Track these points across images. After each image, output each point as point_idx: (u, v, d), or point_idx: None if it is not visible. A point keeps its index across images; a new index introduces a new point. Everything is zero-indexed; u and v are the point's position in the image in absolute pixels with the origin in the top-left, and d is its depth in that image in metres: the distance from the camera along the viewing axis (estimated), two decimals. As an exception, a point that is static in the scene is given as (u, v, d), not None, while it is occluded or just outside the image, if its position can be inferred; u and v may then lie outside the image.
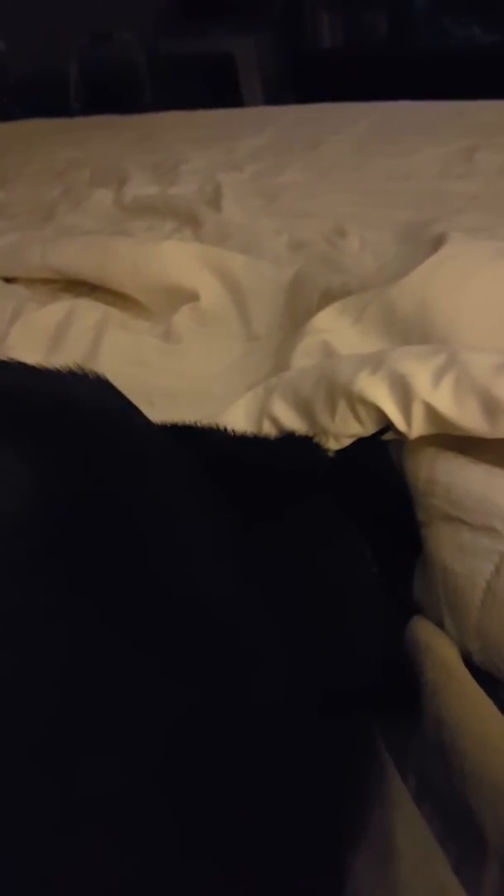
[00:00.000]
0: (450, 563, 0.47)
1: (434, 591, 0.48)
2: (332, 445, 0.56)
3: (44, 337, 0.84)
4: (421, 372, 0.52)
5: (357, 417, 0.55)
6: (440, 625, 0.47)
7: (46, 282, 0.98)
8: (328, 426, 0.56)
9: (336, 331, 0.68)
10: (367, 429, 0.55)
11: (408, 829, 0.36)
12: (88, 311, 0.87)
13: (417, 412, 0.51)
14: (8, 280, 1.00)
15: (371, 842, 0.35)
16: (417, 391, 0.51)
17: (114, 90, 2.75)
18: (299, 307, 0.80)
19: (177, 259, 0.90)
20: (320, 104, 1.81)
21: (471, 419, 0.49)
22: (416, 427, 0.52)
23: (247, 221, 1.10)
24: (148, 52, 2.86)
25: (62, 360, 0.83)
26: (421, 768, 0.41)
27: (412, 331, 0.64)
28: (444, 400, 0.50)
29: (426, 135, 1.45)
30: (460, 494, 0.48)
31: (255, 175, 1.34)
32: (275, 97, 2.74)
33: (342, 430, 0.55)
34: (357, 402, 0.54)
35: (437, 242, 0.71)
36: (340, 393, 0.55)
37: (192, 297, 0.87)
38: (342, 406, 0.55)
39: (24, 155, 1.69)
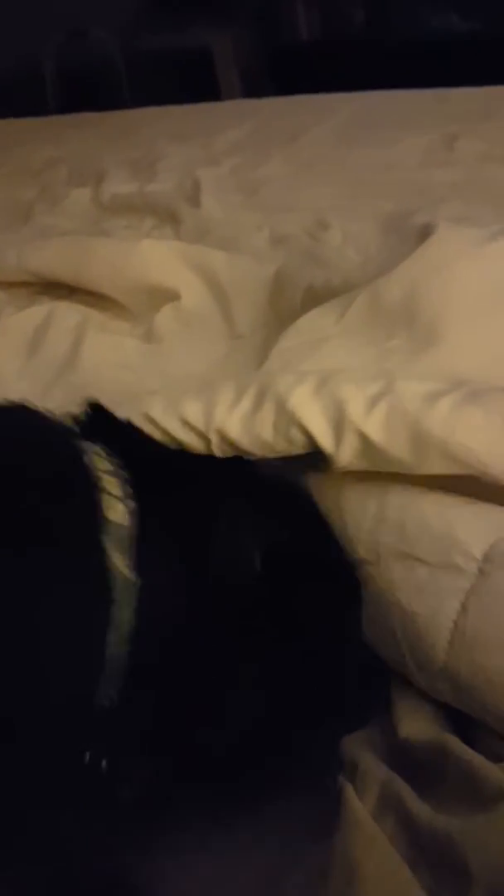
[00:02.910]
0: (408, 605, 0.45)
1: (391, 632, 0.46)
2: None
3: (22, 342, 0.83)
4: (357, 397, 0.50)
5: (286, 436, 0.52)
6: (400, 666, 0.46)
7: (24, 285, 0.96)
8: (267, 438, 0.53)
9: (318, 333, 0.66)
10: (293, 449, 0.52)
11: (369, 849, 0.35)
12: (67, 314, 0.86)
13: (350, 438, 0.50)
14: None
15: (334, 864, 0.34)
16: (351, 416, 0.50)
17: (90, 87, 2.72)
18: (283, 304, 0.79)
19: (156, 258, 0.88)
20: (299, 96, 1.79)
21: (399, 451, 0.48)
22: (345, 455, 0.50)
23: (227, 217, 1.08)
24: (124, 49, 2.83)
25: (42, 364, 0.82)
26: (383, 782, 0.39)
27: (397, 323, 0.62)
28: (376, 428, 0.49)
29: (406, 124, 1.43)
30: (416, 531, 0.47)
31: (234, 169, 1.32)
32: (253, 90, 2.72)
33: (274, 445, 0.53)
34: (289, 419, 0.52)
35: (423, 233, 0.70)
36: (275, 407, 0.53)
37: (172, 296, 0.85)
38: (274, 420, 0.53)
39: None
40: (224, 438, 0.53)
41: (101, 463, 0.45)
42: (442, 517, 0.47)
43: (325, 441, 0.50)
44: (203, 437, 0.53)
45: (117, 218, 1.16)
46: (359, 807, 0.37)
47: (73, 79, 2.80)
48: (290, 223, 1.01)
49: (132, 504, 0.43)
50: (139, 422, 0.53)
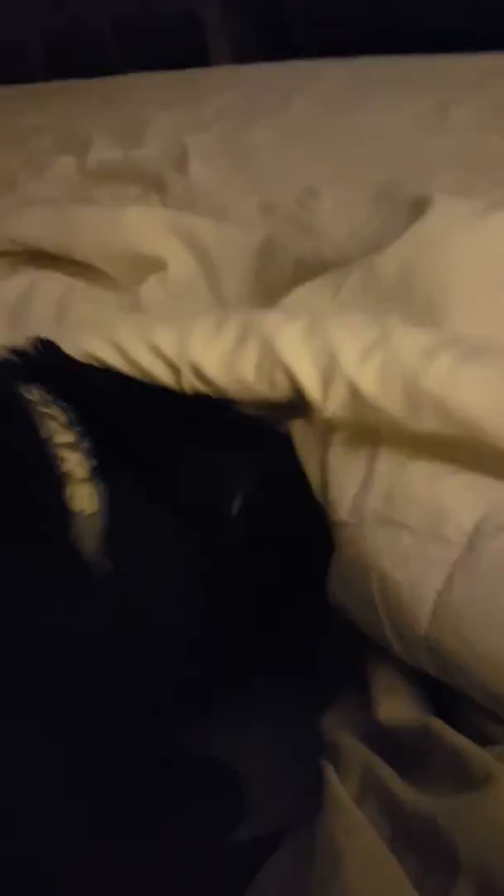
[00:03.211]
0: (391, 572, 0.44)
1: (368, 598, 0.45)
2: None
3: (5, 313, 0.80)
4: (350, 346, 0.48)
5: (269, 378, 0.49)
6: (377, 633, 0.45)
7: (6, 254, 0.93)
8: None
9: (314, 305, 0.64)
10: (275, 393, 0.49)
11: (352, 835, 0.34)
12: (51, 284, 0.84)
13: (338, 387, 0.47)
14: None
15: (318, 851, 0.34)
16: (343, 365, 0.47)
17: (75, 53, 2.66)
18: (271, 274, 0.77)
19: (142, 226, 0.86)
20: (289, 62, 1.75)
21: (391, 405, 0.46)
22: (332, 405, 0.48)
23: (215, 184, 1.06)
24: (111, 13, 2.77)
25: (25, 335, 0.80)
26: (365, 765, 0.39)
27: (394, 299, 0.60)
28: (369, 380, 0.47)
29: (399, 91, 1.40)
30: (403, 499, 0.45)
31: (222, 135, 1.29)
32: (243, 56, 2.66)
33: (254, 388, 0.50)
34: (274, 361, 0.49)
35: (417, 205, 0.68)
36: (260, 346, 0.50)
37: (159, 265, 0.83)
38: (258, 361, 0.49)
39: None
40: (198, 373, 0.50)
41: (46, 408, 0.42)
42: (432, 486, 0.46)
43: (312, 389, 0.48)
44: (174, 368, 0.50)
45: (103, 186, 1.14)
46: (341, 791, 0.36)
47: (58, 44, 2.74)
48: (279, 191, 0.99)
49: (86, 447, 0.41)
50: (107, 349, 0.50)
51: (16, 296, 0.82)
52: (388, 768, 0.37)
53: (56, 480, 0.39)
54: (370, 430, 0.49)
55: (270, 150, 1.20)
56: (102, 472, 0.41)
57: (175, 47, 2.58)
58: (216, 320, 0.52)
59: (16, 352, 0.47)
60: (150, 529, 0.41)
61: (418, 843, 0.33)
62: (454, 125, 1.21)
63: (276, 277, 0.75)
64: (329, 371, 0.48)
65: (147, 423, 0.45)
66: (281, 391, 0.49)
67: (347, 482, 0.48)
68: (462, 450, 0.46)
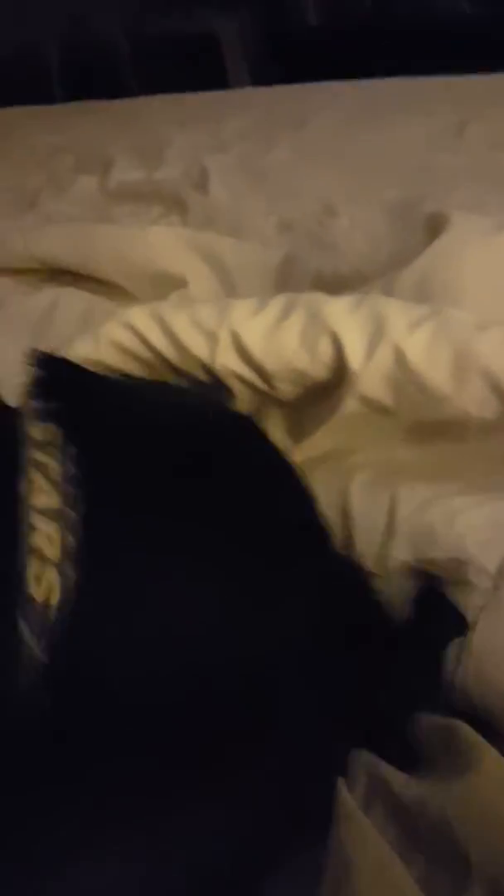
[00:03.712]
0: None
1: None
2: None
3: (28, 328, 0.82)
4: (399, 317, 0.49)
5: (312, 346, 0.49)
6: None
7: (30, 272, 0.95)
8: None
9: None
10: (313, 364, 0.49)
11: (360, 839, 0.34)
12: (73, 301, 0.85)
13: (384, 352, 0.47)
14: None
15: (329, 862, 0.34)
16: (391, 332, 0.48)
17: (95, 74, 2.70)
18: (290, 291, 0.78)
19: (163, 245, 0.88)
20: (306, 84, 1.77)
21: (436, 373, 0.46)
22: (376, 365, 0.47)
23: (234, 203, 1.08)
24: (129, 35, 2.81)
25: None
26: (369, 768, 0.39)
27: None
28: (417, 348, 0.47)
29: (414, 111, 1.42)
30: (426, 547, 0.45)
31: (241, 156, 1.31)
32: (260, 77, 2.70)
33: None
34: (321, 327, 0.49)
35: (433, 222, 0.69)
36: (307, 315, 0.50)
37: (179, 283, 0.85)
38: (302, 328, 0.50)
39: (3, 143, 1.65)
40: (237, 342, 0.50)
41: (43, 454, 0.33)
42: (452, 528, 0.46)
43: (355, 356, 0.48)
44: (211, 337, 0.50)
45: (124, 205, 1.16)
46: (350, 801, 0.36)
47: (78, 66, 2.78)
48: (297, 209, 1.01)
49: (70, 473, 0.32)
50: (146, 320, 0.50)
51: (40, 311, 0.84)
52: (391, 768, 0.38)
53: (11, 555, 0.31)
54: (391, 468, 0.49)
55: (288, 170, 1.22)
56: (90, 549, 0.31)
57: (193, 67, 2.62)
58: (259, 300, 0.52)
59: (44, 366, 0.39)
60: (127, 633, 0.32)
61: (426, 846, 0.34)
62: (469, 143, 1.23)
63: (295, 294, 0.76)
64: (376, 336, 0.48)
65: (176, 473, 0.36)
66: (321, 362, 0.49)
67: (372, 532, 0.48)
68: (480, 463, 0.47)
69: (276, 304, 0.51)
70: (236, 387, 0.52)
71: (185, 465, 0.36)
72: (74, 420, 0.35)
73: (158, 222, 1.07)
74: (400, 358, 0.47)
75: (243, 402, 0.53)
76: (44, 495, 0.32)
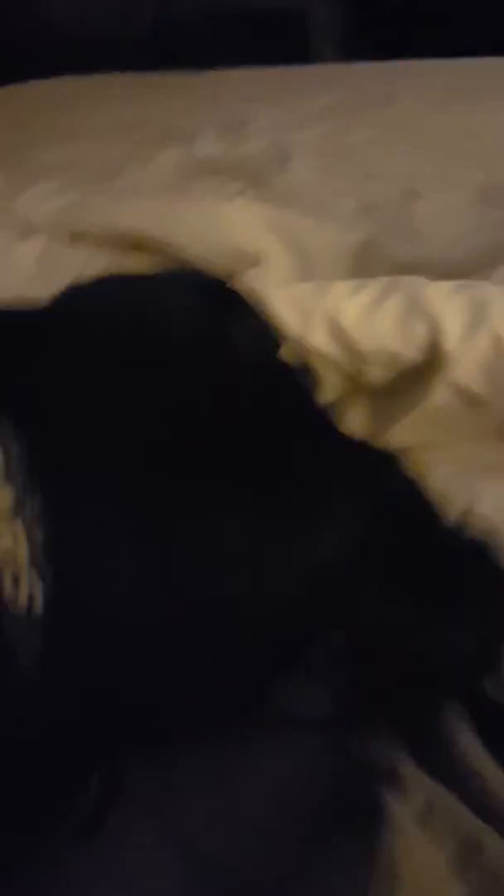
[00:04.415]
0: None
1: None
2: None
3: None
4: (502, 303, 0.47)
5: (407, 330, 0.48)
6: None
7: (112, 243, 0.96)
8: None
9: None
10: (405, 349, 0.48)
11: (411, 857, 0.34)
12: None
13: (483, 339, 0.46)
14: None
15: (376, 869, 0.34)
16: (492, 319, 0.47)
17: (183, 46, 2.69)
18: (368, 275, 0.77)
19: (241, 222, 0.88)
20: (394, 62, 1.73)
21: None
22: (473, 351, 0.46)
23: (314, 183, 1.07)
24: (216, 9, 2.79)
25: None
26: (428, 786, 0.38)
27: None
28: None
29: (505, 92, 1.38)
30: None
31: (324, 134, 1.29)
32: (347, 54, 2.65)
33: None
34: (419, 311, 0.48)
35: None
36: (406, 298, 0.50)
37: (255, 261, 0.84)
38: (399, 311, 0.50)
39: (88, 111, 1.67)
40: (331, 321, 0.50)
41: None
42: None
43: (452, 336, 0.47)
44: (306, 314, 0.50)
45: (204, 180, 1.16)
46: (400, 813, 0.36)
47: (166, 37, 2.78)
48: (379, 192, 0.99)
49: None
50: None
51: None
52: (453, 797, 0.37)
53: None
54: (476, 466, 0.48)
55: (372, 150, 1.19)
56: (59, 529, 0.28)
57: (279, 43, 2.59)
58: (356, 283, 0.52)
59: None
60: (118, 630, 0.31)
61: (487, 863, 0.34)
62: None
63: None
64: (474, 321, 0.47)
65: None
66: (414, 344, 0.49)
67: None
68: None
69: (376, 285, 0.51)
70: (323, 370, 0.51)
71: (147, 413, 0.34)
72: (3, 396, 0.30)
73: (237, 198, 1.06)
74: (498, 343, 0.45)
75: (328, 387, 0.52)
76: None
